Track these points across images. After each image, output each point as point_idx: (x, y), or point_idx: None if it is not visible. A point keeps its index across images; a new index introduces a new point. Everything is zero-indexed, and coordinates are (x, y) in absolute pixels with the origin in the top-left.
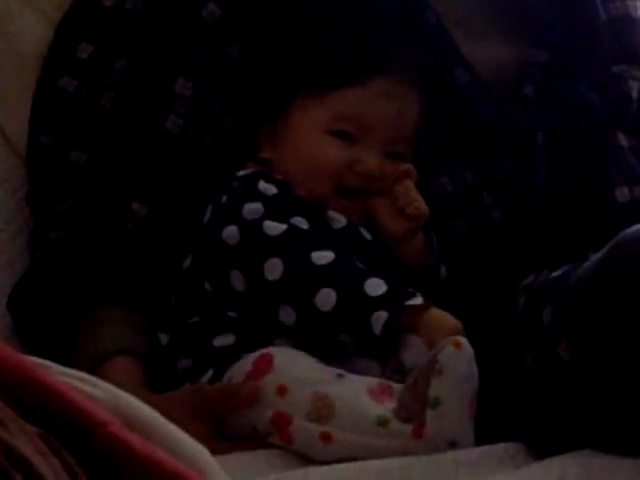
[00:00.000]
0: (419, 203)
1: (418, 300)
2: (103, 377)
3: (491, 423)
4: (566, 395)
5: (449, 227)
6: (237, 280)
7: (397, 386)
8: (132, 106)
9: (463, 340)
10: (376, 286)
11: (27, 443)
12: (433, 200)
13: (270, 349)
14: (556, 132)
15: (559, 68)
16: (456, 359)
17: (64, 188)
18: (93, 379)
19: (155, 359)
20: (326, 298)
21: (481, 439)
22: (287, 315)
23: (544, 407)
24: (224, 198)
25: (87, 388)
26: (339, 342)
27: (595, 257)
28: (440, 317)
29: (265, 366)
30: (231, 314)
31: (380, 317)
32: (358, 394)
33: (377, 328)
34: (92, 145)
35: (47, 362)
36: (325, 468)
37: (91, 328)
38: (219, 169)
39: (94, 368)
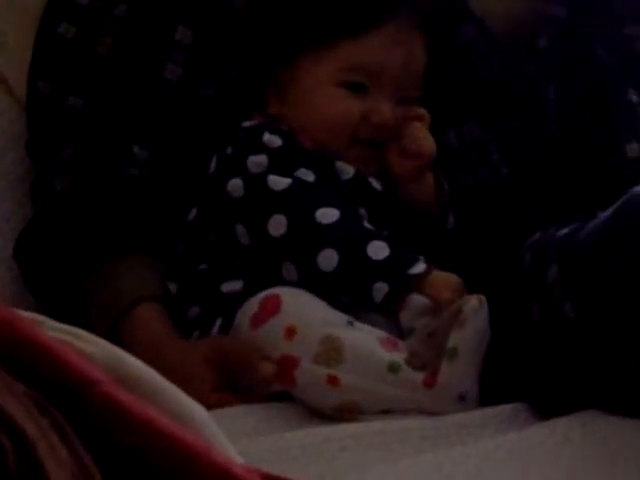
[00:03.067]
0: (424, 141)
1: (420, 267)
2: (131, 326)
3: (495, 383)
4: (572, 354)
5: (456, 182)
6: (242, 234)
7: (403, 342)
8: (130, 53)
9: (484, 298)
10: (379, 249)
11: (14, 402)
12: (440, 155)
13: (277, 290)
14: (568, 86)
15: (574, 26)
16: (479, 313)
17: (63, 135)
18: (87, 335)
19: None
20: (328, 259)
21: (485, 400)
22: (289, 272)
23: (549, 366)
24: (229, 149)
25: (80, 344)
26: (341, 302)
27: (602, 216)
28: (443, 276)
29: (272, 307)
30: (239, 262)
31: (382, 289)
32: (369, 340)
33: (378, 298)
34: (90, 91)
35: (39, 317)
36: (323, 428)
37: (109, 279)
38: (224, 119)
39: (119, 319)
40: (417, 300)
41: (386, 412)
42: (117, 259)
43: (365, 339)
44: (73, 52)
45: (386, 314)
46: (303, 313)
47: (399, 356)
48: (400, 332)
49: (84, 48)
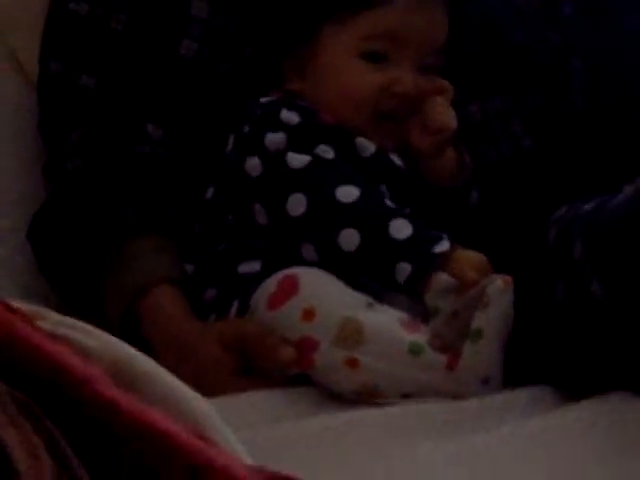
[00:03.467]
0: (445, 116)
1: (445, 245)
2: (147, 310)
3: (519, 365)
4: (599, 334)
5: (479, 157)
6: (260, 214)
7: (425, 324)
8: (144, 29)
9: (510, 279)
10: (402, 228)
11: None
12: (462, 129)
13: (295, 270)
14: (594, 56)
15: None
16: (504, 295)
17: (75, 114)
18: (90, 328)
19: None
20: (349, 238)
21: (508, 382)
22: (309, 252)
23: (575, 346)
24: (246, 127)
25: (79, 337)
26: (360, 282)
27: (628, 190)
28: (468, 254)
29: (290, 288)
30: (256, 242)
31: (405, 269)
32: (389, 321)
33: (401, 278)
34: (103, 69)
35: (42, 310)
36: (342, 414)
37: (125, 261)
38: (241, 95)
39: (134, 302)
40: (442, 279)
41: (407, 396)
42: (132, 240)
43: (385, 321)
44: (86, 29)
45: (410, 294)
46: (322, 294)
47: (421, 337)
48: (425, 312)
49: (97, 25)
